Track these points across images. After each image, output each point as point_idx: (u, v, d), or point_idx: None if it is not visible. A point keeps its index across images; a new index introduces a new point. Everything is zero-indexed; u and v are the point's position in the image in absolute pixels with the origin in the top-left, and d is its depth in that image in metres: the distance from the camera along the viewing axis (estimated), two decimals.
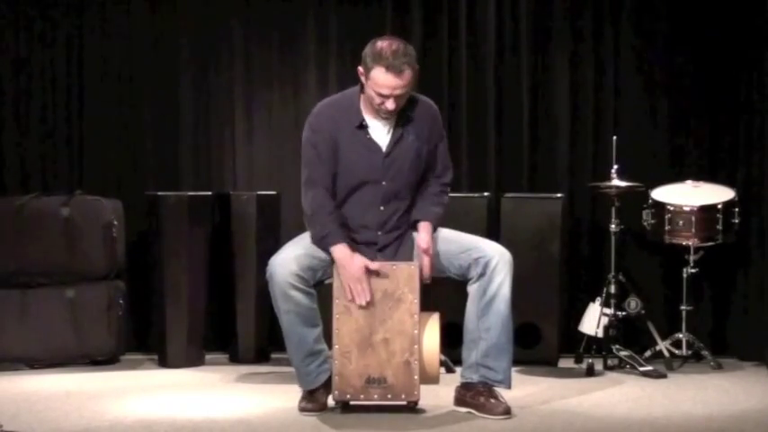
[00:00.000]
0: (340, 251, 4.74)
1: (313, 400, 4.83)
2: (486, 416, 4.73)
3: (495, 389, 4.80)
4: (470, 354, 4.81)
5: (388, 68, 4.67)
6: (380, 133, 4.84)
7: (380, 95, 4.71)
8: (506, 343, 4.78)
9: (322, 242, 4.78)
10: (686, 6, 6.46)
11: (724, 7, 6.39)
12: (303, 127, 4.90)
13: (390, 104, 4.72)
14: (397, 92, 4.71)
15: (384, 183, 4.84)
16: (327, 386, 4.81)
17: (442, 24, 6.58)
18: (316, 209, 4.80)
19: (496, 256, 4.74)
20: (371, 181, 4.83)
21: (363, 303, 4.72)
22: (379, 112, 4.78)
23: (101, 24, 6.60)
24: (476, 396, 4.79)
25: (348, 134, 4.81)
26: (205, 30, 6.64)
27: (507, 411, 4.74)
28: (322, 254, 4.78)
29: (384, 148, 4.83)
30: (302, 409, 4.83)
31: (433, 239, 4.83)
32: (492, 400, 4.76)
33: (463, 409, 4.82)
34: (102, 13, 6.60)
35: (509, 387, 4.83)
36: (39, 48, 6.57)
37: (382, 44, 4.73)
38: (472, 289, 4.78)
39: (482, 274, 4.73)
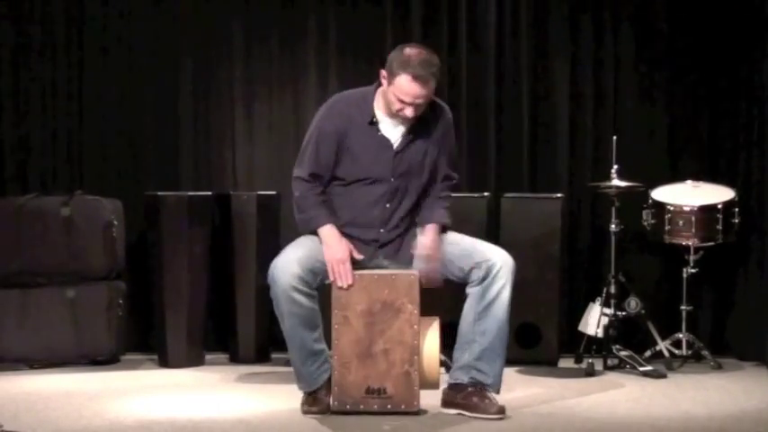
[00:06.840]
0: (327, 231, 4.76)
1: (316, 402, 4.80)
2: (479, 416, 4.70)
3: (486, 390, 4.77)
4: (463, 355, 4.79)
5: (415, 78, 4.66)
6: (392, 131, 4.83)
7: (402, 102, 4.70)
8: (500, 348, 4.75)
9: (310, 223, 4.80)
10: (686, 6, 6.47)
11: (724, 7, 6.39)
12: (303, 126, 4.90)
13: (410, 112, 4.72)
14: (419, 101, 4.71)
15: (393, 180, 4.83)
16: (329, 386, 4.79)
17: (442, 24, 6.57)
18: (305, 191, 4.83)
19: (500, 262, 4.71)
20: (380, 177, 4.82)
21: (344, 286, 4.71)
22: (395, 115, 4.77)
23: (101, 24, 6.59)
24: (467, 397, 4.76)
25: (359, 129, 4.81)
26: (205, 30, 6.64)
27: (502, 411, 4.71)
28: (323, 256, 4.76)
29: (395, 146, 4.82)
30: (306, 412, 4.79)
31: (441, 242, 4.81)
32: (486, 401, 4.73)
33: (452, 411, 4.78)
34: (102, 12, 6.59)
35: (497, 392, 4.79)
36: (39, 48, 6.56)
37: (411, 52, 4.72)
38: (472, 292, 4.76)
39: (484, 278, 4.71)
